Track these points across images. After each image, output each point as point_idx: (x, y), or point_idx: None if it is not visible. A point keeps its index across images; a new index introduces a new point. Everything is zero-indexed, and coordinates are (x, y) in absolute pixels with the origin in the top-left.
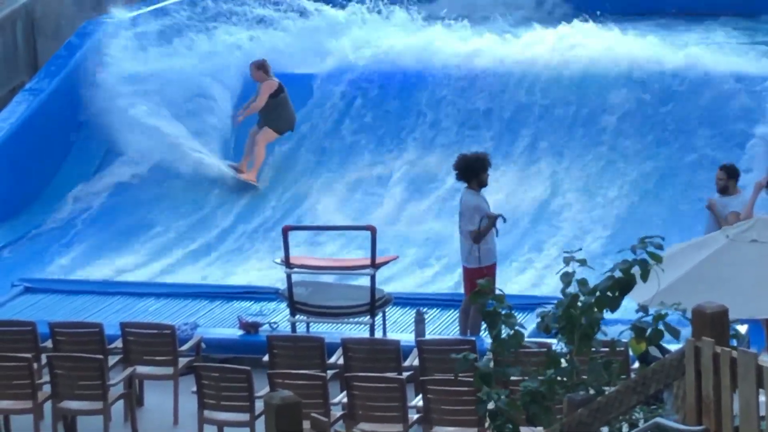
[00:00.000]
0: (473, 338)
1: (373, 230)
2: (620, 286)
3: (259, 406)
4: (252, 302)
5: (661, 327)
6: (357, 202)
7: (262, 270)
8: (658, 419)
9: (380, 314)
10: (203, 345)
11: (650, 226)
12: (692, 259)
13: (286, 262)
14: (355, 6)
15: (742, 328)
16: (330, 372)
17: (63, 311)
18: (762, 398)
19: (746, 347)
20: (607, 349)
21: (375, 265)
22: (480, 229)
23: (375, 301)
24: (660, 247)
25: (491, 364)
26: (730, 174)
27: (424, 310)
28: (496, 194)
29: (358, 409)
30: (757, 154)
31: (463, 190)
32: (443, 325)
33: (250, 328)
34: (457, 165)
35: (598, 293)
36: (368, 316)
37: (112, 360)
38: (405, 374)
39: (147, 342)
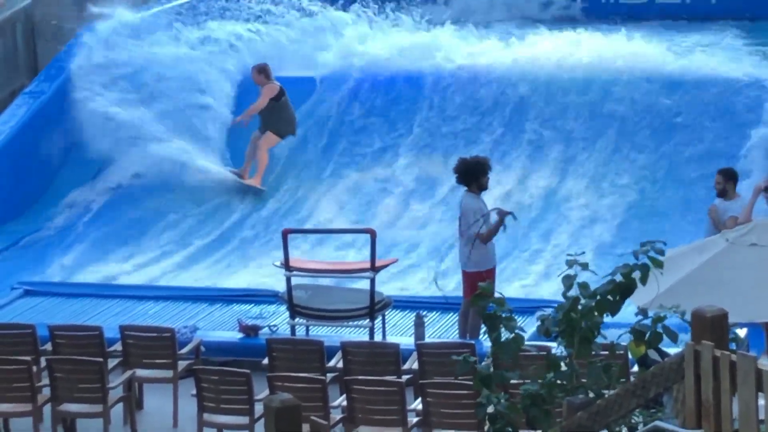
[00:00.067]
0: (472, 341)
1: (372, 233)
2: (621, 290)
3: (259, 409)
4: (252, 305)
5: (660, 330)
6: (357, 205)
7: (261, 273)
8: (658, 423)
9: (380, 317)
10: (203, 348)
11: (661, 216)
12: (692, 262)
13: (286, 265)
14: (358, 8)
15: (742, 332)
16: (329, 375)
17: (62, 314)
18: (761, 402)
19: (746, 351)
20: (606, 353)
21: (375, 269)
22: (488, 229)
23: (374, 304)
24: (661, 252)
25: (491, 368)
26: (728, 177)
27: (424, 313)
28: (503, 187)
29: (358, 413)
30: (756, 157)
31: (463, 193)
32: (443, 329)
33: (250, 331)
34: (457, 168)
35: (598, 297)
36: (368, 320)
37: (112, 363)
38: (404, 377)
39: (146, 345)
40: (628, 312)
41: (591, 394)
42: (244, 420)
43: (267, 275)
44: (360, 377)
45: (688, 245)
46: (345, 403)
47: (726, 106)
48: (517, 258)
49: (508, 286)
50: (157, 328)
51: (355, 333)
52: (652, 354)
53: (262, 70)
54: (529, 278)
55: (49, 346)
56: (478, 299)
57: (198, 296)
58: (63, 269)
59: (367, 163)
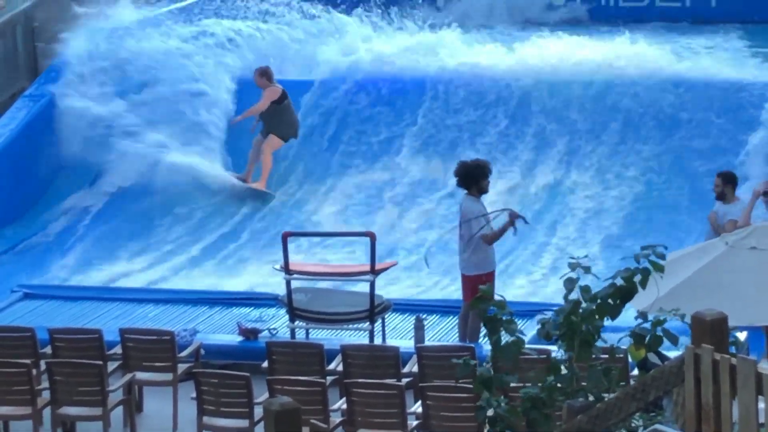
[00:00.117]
0: (472, 345)
1: (372, 237)
2: (621, 294)
3: (259, 412)
4: (251, 308)
5: (659, 333)
6: (357, 208)
7: (261, 276)
8: (658, 426)
9: (379, 320)
10: (202, 351)
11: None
12: (692, 266)
13: (286, 269)
14: (361, 12)
15: (742, 335)
16: (329, 378)
17: (62, 317)
18: (761, 405)
19: (745, 354)
20: (606, 356)
21: (374, 272)
22: (495, 230)
23: (374, 307)
24: (662, 257)
25: (491, 371)
26: (726, 180)
27: (424, 316)
28: (509, 181)
29: (358, 416)
30: (754, 161)
31: (462, 197)
32: (442, 332)
33: (250, 334)
34: (457, 172)
35: (599, 301)
36: (367, 323)
37: (112, 366)
38: (404, 380)
39: (146, 348)
40: (627, 315)
41: (591, 398)
42: (243, 423)
43: (267, 278)
44: (360, 380)
45: (688, 248)
46: (345, 406)
47: (726, 108)
48: (523, 251)
49: (515, 281)
50: (157, 331)
51: (355, 336)
52: (652, 357)
53: (264, 73)
54: (536, 273)
55: (48, 349)
56: (479, 302)
57: (198, 299)
58: (63, 272)
59: (367, 166)
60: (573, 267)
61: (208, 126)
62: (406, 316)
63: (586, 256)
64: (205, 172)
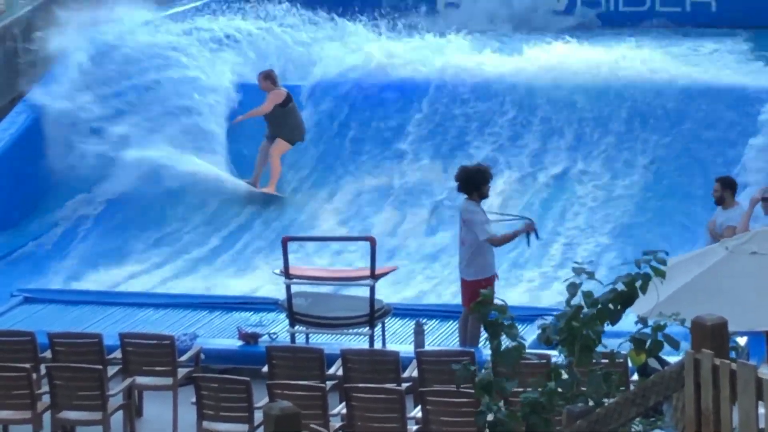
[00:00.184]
0: (472, 349)
1: (372, 241)
2: (622, 299)
3: (258, 416)
4: (251, 313)
5: (660, 338)
6: (357, 213)
7: (261, 280)
8: (657, 431)
9: (379, 325)
10: (202, 355)
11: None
12: (692, 271)
13: (286, 273)
14: (366, 20)
15: (742, 340)
16: (329, 383)
17: (62, 321)
18: (761, 410)
19: (746, 359)
20: (606, 361)
21: (374, 276)
22: (505, 233)
23: (374, 312)
24: (663, 262)
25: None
26: (725, 185)
27: (424, 321)
28: (516, 172)
29: (357, 420)
30: (753, 168)
31: (463, 201)
32: (443, 336)
33: (250, 338)
34: (458, 176)
35: (599, 306)
36: (367, 327)
37: (112, 370)
38: (404, 385)
39: (146, 352)
40: (628, 321)
41: (591, 403)
42: (243, 428)
43: (267, 283)
44: (360, 385)
45: (688, 254)
46: (345, 410)
47: (722, 113)
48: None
49: (524, 276)
50: (157, 336)
51: (355, 341)
52: (652, 362)
53: (268, 76)
54: (546, 265)
55: (48, 354)
56: (480, 306)
57: (198, 304)
58: (62, 276)
59: (367, 170)
60: (578, 272)
61: (212, 133)
62: (406, 320)
63: (591, 261)
64: (217, 176)
